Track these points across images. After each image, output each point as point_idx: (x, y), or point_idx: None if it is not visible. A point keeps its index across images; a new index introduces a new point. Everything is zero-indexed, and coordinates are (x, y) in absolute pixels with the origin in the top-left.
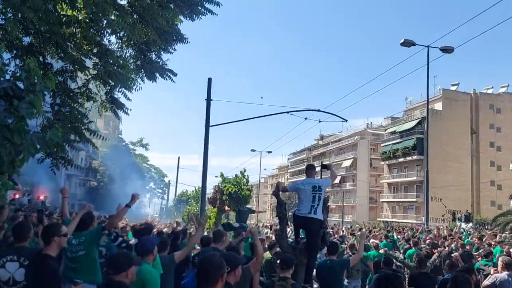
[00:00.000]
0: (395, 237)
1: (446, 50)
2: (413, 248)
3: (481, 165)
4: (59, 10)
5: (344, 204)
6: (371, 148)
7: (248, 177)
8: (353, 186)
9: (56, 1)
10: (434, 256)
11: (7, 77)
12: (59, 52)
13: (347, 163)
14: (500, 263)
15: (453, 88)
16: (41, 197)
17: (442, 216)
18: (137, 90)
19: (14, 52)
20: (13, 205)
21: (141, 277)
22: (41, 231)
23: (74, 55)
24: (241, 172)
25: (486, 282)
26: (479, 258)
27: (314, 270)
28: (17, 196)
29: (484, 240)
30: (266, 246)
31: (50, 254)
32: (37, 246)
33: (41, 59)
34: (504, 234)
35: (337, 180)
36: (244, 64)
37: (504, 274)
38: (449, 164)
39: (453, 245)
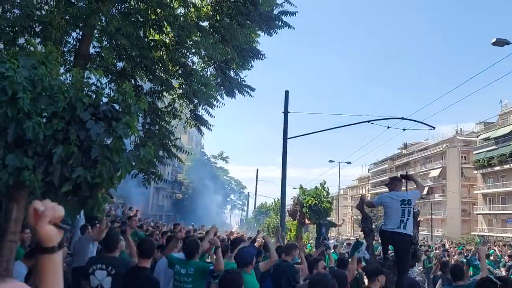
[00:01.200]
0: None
1: None
2: None
3: None
4: (148, 36)
5: (433, 216)
6: (461, 156)
7: (328, 189)
8: (442, 197)
9: (146, 28)
10: None
11: (105, 100)
12: (148, 75)
13: (434, 172)
14: None
15: None
16: (134, 212)
17: None
18: (219, 107)
19: (110, 76)
20: (109, 216)
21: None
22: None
23: (162, 76)
24: (321, 184)
25: None
26: None
27: None
28: (112, 210)
29: None
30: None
31: (146, 266)
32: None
33: (133, 82)
34: None
35: (424, 191)
36: (321, 74)
37: None
38: None
39: None
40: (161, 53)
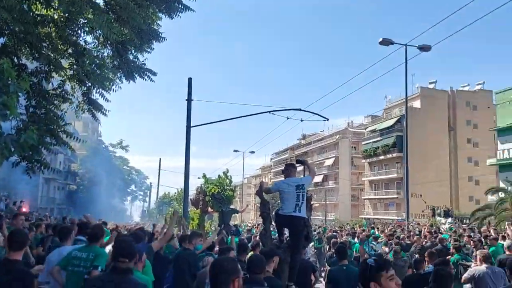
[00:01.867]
0: (377, 233)
1: (424, 48)
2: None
3: (459, 161)
4: (34, 10)
5: (327, 202)
6: (352, 147)
7: (231, 178)
8: (335, 184)
9: (31, 1)
10: (412, 249)
11: None
12: (33, 53)
13: (329, 161)
14: (478, 257)
15: (431, 86)
16: (23, 209)
17: (422, 212)
18: (116, 91)
19: None
20: None
21: None
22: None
23: (50, 55)
24: (224, 172)
25: (466, 275)
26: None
27: (326, 276)
28: None
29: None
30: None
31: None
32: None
33: (15, 60)
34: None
35: (319, 179)
36: (225, 63)
37: (483, 267)
38: (428, 161)
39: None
40: (49, 29)
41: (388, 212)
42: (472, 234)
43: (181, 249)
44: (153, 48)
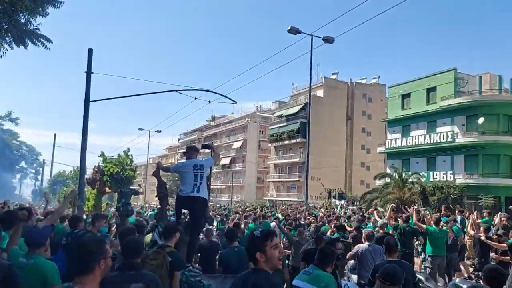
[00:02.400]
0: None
1: (327, 40)
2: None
3: (354, 148)
4: None
5: (234, 184)
6: (260, 131)
7: (132, 157)
8: (242, 166)
9: None
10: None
11: None
12: None
13: (237, 144)
14: (363, 235)
15: (333, 76)
16: None
17: (320, 194)
18: (1, 57)
19: None
20: None
21: (40, 271)
22: None
23: None
24: (124, 151)
25: (351, 252)
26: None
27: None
28: None
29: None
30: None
31: None
32: None
33: None
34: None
35: (227, 161)
36: (131, 38)
37: (365, 245)
38: (328, 147)
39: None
40: None
41: (290, 194)
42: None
43: (81, 232)
44: (48, 13)
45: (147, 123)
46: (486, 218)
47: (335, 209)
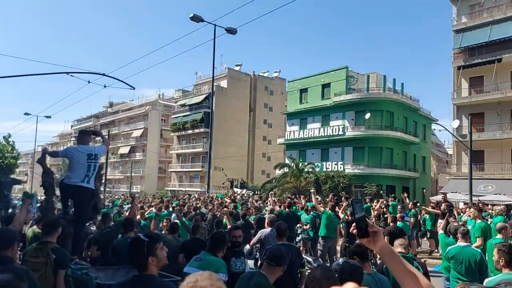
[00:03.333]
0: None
1: (230, 31)
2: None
3: (256, 139)
4: None
5: (133, 174)
6: (162, 119)
7: (14, 143)
8: (143, 156)
9: None
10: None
11: None
12: None
13: (137, 132)
14: (267, 220)
15: (237, 68)
16: None
17: (223, 184)
18: None
19: None
20: None
21: None
22: None
23: None
24: (4, 137)
25: (255, 238)
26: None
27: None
28: None
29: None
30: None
31: None
32: None
33: None
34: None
35: (126, 150)
36: (19, 12)
37: (268, 230)
38: (231, 138)
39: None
40: None
41: (192, 184)
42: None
43: None
44: None
45: (35, 108)
46: (369, 204)
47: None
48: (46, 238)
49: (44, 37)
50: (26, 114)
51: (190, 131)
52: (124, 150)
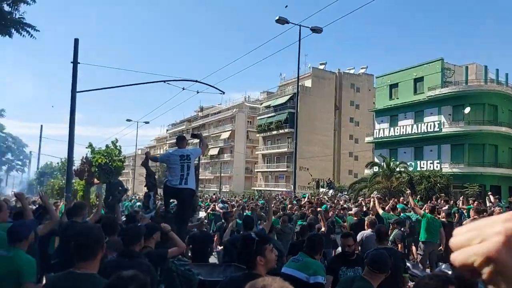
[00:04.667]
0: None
1: (316, 30)
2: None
3: (342, 138)
4: None
5: (222, 174)
6: (248, 121)
7: (120, 148)
8: (230, 157)
9: None
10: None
11: None
12: None
13: (225, 135)
14: (366, 222)
15: (321, 67)
16: None
17: (308, 184)
18: None
19: None
20: None
21: (15, 265)
22: None
23: None
24: (112, 142)
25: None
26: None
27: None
28: None
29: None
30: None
31: None
32: None
33: None
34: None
35: (215, 152)
36: (118, 27)
37: (369, 231)
38: (316, 137)
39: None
40: None
41: (278, 184)
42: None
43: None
44: (35, 1)
45: (135, 114)
46: (471, 205)
47: (324, 199)
48: (146, 243)
49: (142, 49)
50: (128, 120)
51: (275, 132)
52: (214, 151)
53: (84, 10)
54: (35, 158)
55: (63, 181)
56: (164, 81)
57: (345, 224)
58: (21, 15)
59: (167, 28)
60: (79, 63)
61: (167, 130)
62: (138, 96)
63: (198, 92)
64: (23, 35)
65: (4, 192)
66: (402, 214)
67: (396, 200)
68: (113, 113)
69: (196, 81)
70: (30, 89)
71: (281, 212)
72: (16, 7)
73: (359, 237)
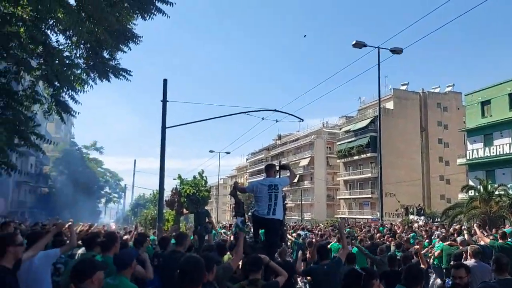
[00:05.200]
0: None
1: (395, 51)
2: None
3: (431, 161)
4: (2, 9)
5: (303, 202)
6: (327, 147)
7: (206, 178)
8: (310, 184)
9: None
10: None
11: None
12: (1, 52)
13: (304, 162)
14: (469, 252)
15: (403, 87)
16: None
17: (396, 210)
18: (86, 92)
19: None
20: None
21: None
22: None
23: (18, 55)
24: (199, 173)
25: None
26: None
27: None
28: None
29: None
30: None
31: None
32: None
33: None
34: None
35: (295, 179)
36: (199, 64)
37: (472, 261)
38: (401, 161)
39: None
40: (18, 28)
41: (363, 212)
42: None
43: (169, 252)
44: (130, 49)
45: (217, 145)
46: None
47: (414, 227)
48: (254, 275)
49: (223, 83)
50: (210, 151)
51: (356, 157)
52: (294, 179)
53: (171, 51)
54: (130, 190)
55: (155, 212)
56: (244, 113)
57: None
58: (117, 61)
59: (248, 62)
60: (168, 101)
61: (247, 159)
62: (220, 128)
63: (277, 121)
64: (120, 79)
65: (104, 222)
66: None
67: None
68: (197, 146)
69: (275, 110)
70: (124, 127)
71: (369, 242)
72: (113, 54)
73: None
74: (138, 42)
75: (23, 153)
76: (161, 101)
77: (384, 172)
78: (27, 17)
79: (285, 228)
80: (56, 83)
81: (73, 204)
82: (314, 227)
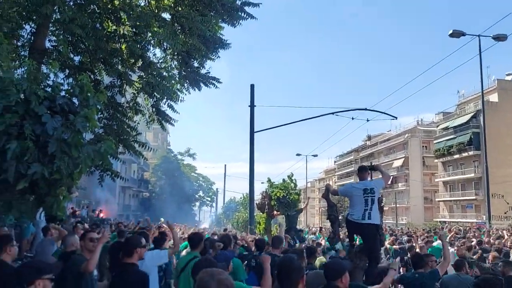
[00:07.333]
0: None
1: (499, 38)
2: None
3: None
4: (105, 27)
5: (398, 205)
6: (423, 146)
7: (295, 181)
8: (405, 186)
9: (103, 18)
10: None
11: (62, 93)
12: (106, 68)
13: (398, 162)
14: None
15: (508, 77)
16: (101, 215)
17: (505, 213)
18: (181, 101)
19: (67, 71)
20: (74, 218)
21: None
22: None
23: (119, 69)
24: (288, 176)
25: None
26: None
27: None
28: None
29: None
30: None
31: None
32: None
33: (91, 76)
34: None
35: (389, 181)
36: (285, 67)
37: None
38: (509, 158)
39: None
40: (119, 44)
41: (466, 215)
42: None
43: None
44: (219, 56)
45: (304, 148)
46: None
47: None
48: (334, 282)
49: (311, 84)
50: (297, 154)
51: (456, 156)
52: (389, 180)
53: (253, 57)
54: (221, 194)
55: (246, 215)
56: (333, 113)
57: None
58: (207, 70)
59: (335, 61)
60: (255, 106)
61: (334, 162)
62: (307, 130)
63: (368, 120)
64: (209, 87)
65: (199, 225)
66: None
67: None
68: (284, 149)
69: (365, 109)
70: (214, 133)
71: (477, 248)
72: (203, 63)
73: None
74: (227, 47)
75: (125, 160)
76: (249, 106)
77: (490, 171)
78: (127, 33)
79: (383, 231)
80: (156, 94)
81: (171, 207)
82: (413, 231)
